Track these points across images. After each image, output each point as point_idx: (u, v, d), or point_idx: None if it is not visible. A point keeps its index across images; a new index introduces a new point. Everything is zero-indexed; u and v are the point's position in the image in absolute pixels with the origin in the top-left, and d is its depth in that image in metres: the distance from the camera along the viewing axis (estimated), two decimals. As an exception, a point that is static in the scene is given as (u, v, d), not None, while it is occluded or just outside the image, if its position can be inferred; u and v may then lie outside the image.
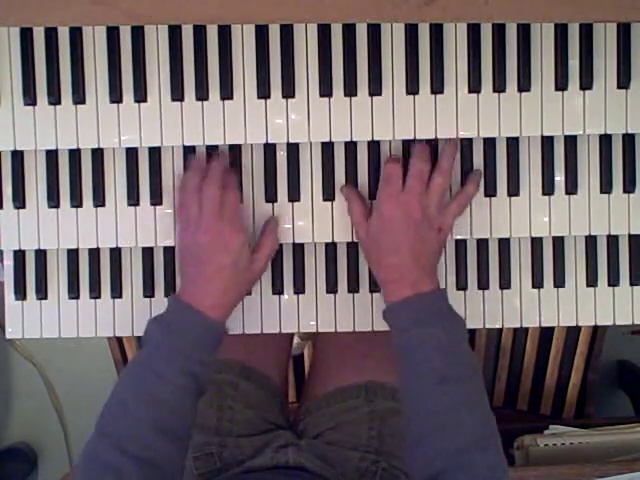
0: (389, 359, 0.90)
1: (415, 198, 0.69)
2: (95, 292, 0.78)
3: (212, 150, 0.75)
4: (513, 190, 0.76)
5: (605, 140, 0.76)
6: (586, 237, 0.78)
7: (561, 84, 0.73)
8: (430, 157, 0.72)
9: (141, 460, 0.61)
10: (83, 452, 0.64)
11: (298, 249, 0.78)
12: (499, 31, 0.73)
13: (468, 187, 0.74)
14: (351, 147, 0.76)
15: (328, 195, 0.76)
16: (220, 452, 0.81)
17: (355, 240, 0.76)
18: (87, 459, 0.63)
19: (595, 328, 1.30)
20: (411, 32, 0.73)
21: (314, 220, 0.76)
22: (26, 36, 0.73)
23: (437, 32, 0.73)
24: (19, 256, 0.78)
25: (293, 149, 0.76)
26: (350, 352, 0.91)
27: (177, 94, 0.73)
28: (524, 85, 0.73)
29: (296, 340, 1.29)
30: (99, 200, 0.76)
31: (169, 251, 0.78)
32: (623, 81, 0.73)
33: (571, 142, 0.76)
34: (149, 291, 0.78)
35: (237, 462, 0.80)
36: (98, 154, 0.76)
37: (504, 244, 0.78)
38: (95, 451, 0.63)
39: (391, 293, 0.69)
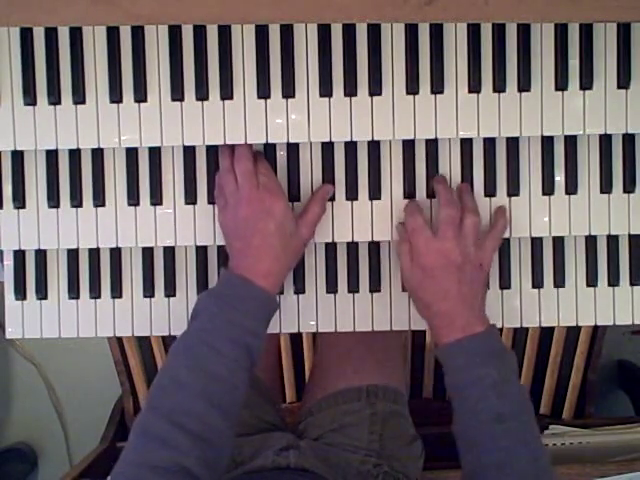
0: (389, 363, 0.91)
1: (451, 243, 0.70)
2: (95, 292, 0.78)
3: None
4: (513, 190, 0.76)
5: (605, 140, 0.76)
6: (586, 237, 0.78)
7: (561, 84, 0.73)
8: (456, 200, 0.72)
9: (192, 433, 0.60)
10: (134, 426, 0.62)
11: (298, 249, 0.78)
12: (499, 31, 0.73)
13: (499, 222, 0.74)
14: (351, 147, 0.76)
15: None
16: None
17: (355, 240, 0.76)
18: (138, 432, 0.61)
19: (595, 328, 1.30)
20: (411, 32, 0.73)
21: (314, 220, 0.76)
22: (26, 36, 0.73)
23: (437, 32, 0.73)
24: (19, 256, 0.78)
25: (293, 149, 0.76)
26: (350, 355, 0.91)
27: (177, 94, 0.73)
28: (524, 85, 0.73)
29: None
30: (99, 200, 0.76)
31: (169, 251, 0.78)
32: (623, 81, 0.73)
33: (571, 142, 0.76)
34: (149, 291, 0.78)
35: (236, 463, 0.80)
36: (98, 154, 0.76)
37: (504, 244, 0.78)
38: (146, 424, 0.62)
39: (443, 336, 0.69)
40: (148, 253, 0.78)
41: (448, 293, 0.69)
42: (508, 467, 0.63)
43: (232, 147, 0.74)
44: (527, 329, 1.33)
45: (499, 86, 0.73)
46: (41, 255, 0.78)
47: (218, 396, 0.63)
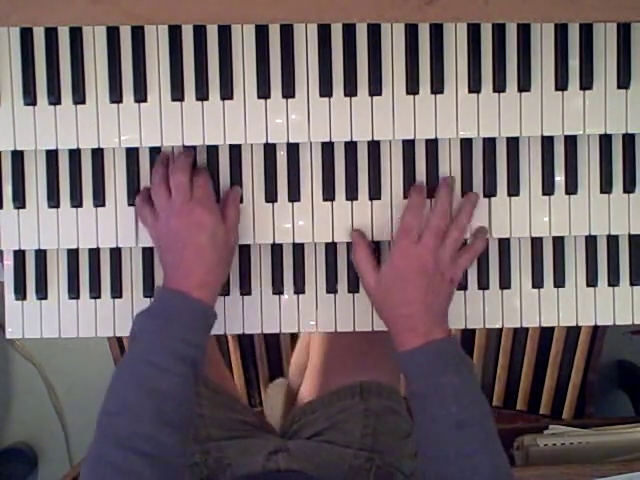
0: (384, 360, 0.91)
1: (430, 252, 0.70)
2: (95, 292, 0.78)
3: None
4: (513, 190, 0.76)
5: (605, 140, 0.76)
6: (586, 237, 0.78)
7: (561, 84, 0.73)
8: (448, 212, 0.72)
9: (146, 454, 0.60)
10: (87, 455, 0.62)
11: (298, 249, 0.78)
12: (499, 31, 0.73)
13: (477, 244, 0.74)
14: (351, 147, 0.76)
15: (328, 195, 0.76)
16: (205, 460, 0.80)
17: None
18: (92, 462, 0.61)
19: (595, 328, 1.30)
20: (411, 32, 0.73)
21: (314, 220, 0.76)
22: (26, 36, 0.73)
23: (437, 32, 0.73)
24: (19, 256, 0.78)
25: (293, 149, 0.76)
26: (347, 352, 0.91)
27: (177, 94, 0.73)
28: (524, 85, 0.73)
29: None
30: (99, 200, 0.76)
31: (169, 251, 0.78)
32: (623, 81, 0.73)
33: (571, 142, 0.76)
34: (149, 291, 0.78)
35: (223, 467, 0.79)
36: (98, 154, 0.76)
37: (504, 244, 0.78)
38: (99, 453, 0.61)
39: (403, 343, 0.69)
40: (148, 253, 0.78)
41: (414, 298, 0.69)
42: (469, 474, 0.63)
43: (167, 159, 0.74)
44: (527, 329, 1.33)
45: (499, 86, 0.73)
46: (41, 255, 0.78)
47: (167, 413, 0.63)
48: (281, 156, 0.76)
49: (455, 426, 0.64)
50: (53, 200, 0.76)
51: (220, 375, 0.96)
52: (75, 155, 0.76)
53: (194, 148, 0.76)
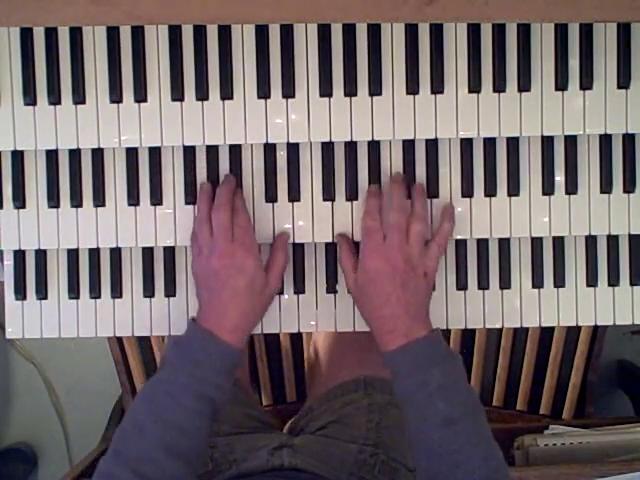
0: None
1: (397, 249, 0.70)
2: (95, 292, 0.78)
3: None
4: (513, 190, 0.76)
5: (605, 140, 0.76)
6: (586, 237, 0.78)
7: (561, 84, 0.73)
8: (406, 206, 0.73)
9: None
10: (98, 469, 0.64)
11: (298, 249, 0.78)
12: (499, 31, 0.73)
13: (444, 226, 0.74)
14: (351, 147, 0.76)
15: (328, 195, 0.76)
16: (211, 453, 0.80)
17: (355, 240, 0.76)
18: (101, 478, 0.63)
19: (595, 328, 1.30)
20: (411, 32, 0.73)
21: (314, 220, 0.76)
22: (26, 36, 0.73)
23: (437, 32, 0.73)
24: (19, 256, 0.78)
25: (293, 149, 0.76)
26: (350, 348, 0.91)
27: (177, 94, 0.73)
28: (524, 85, 0.73)
29: None
30: (99, 200, 0.76)
31: (169, 251, 0.78)
32: (623, 81, 0.73)
33: (571, 142, 0.76)
34: (149, 291, 0.78)
35: (229, 462, 0.80)
36: (98, 154, 0.76)
37: (504, 244, 0.78)
38: (110, 471, 0.63)
39: (386, 343, 0.69)
40: (148, 253, 0.78)
41: (390, 298, 0.69)
42: (460, 470, 0.63)
43: (212, 193, 0.73)
44: (527, 329, 1.33)
45: (499, 86, 0.73)
46: (41, 255, 0.78)
47: (179, 446, 0.64)
48: (281, 156, 0.76)
49: (443, 424, 0.64)
50: (53, 200, 0.76)
51: (240, 370, 0.95)
52: (75, 155, 0.76)
53: (236, 175, 0.76)
